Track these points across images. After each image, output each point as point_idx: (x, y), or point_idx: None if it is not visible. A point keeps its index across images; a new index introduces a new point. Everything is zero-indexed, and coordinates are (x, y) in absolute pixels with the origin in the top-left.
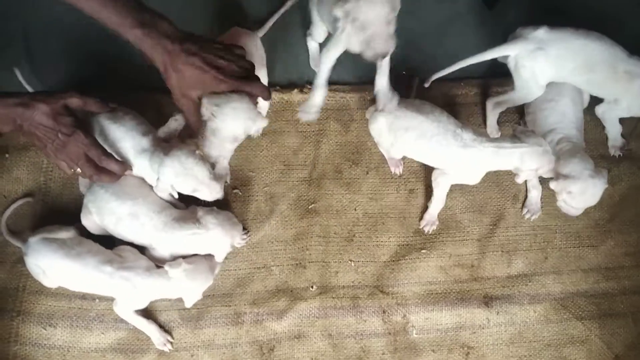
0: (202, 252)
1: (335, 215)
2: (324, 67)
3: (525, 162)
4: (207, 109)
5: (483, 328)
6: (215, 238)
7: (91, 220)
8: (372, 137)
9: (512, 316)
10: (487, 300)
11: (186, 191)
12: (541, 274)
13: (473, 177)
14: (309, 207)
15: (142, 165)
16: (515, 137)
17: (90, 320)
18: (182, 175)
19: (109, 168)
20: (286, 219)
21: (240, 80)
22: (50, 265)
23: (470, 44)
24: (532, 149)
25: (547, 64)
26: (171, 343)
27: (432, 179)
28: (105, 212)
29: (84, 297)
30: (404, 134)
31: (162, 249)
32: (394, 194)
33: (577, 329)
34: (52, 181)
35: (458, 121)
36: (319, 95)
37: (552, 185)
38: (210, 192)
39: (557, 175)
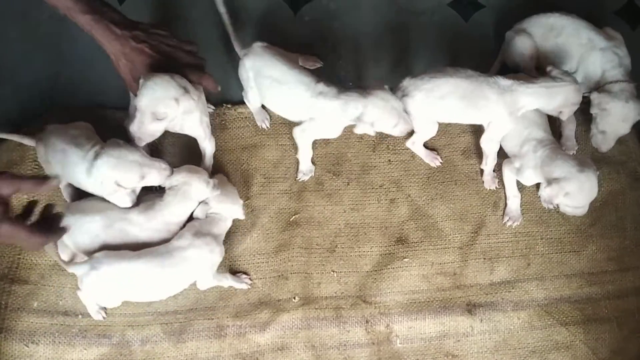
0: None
1: (317, 226)
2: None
3: (568, 99)
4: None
5: (467, 336)
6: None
7: (70, 253)
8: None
9: (495, 323)
10: (471, 308)
11: (133, 181)
12: (524, 281)
13: (513, 123)
14: (291, 219)
15: (92, 184)
16: (554, 77)
17: (72, 336)
18: (118, 165)
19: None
20: (268, 231)
21: (187, 68)
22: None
23: (447, 56)
24: (573, 86)
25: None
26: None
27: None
28: (79, 235)
29: (66, 313)
30: (440, 103)
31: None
32: (375, 204)
33: (561, 335)
34: (35, 199)
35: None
36: (305, 161)
37: (547, 190)
38: (158, 172)
39: (549, 181)
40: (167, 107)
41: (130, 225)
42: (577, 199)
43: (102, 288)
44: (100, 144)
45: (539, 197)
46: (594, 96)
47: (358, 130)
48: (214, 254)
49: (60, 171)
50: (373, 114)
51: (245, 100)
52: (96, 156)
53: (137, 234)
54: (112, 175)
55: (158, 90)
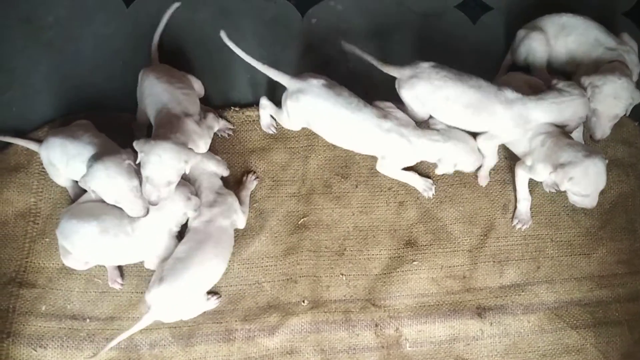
0: None
1: (326, 229)
2: None
3: (577, 113)
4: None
5: (477, 339)
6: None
7: (72, 258)
8: (405, 101)
9: (506, 327)
10: (480, 311)
11: (109, 199)
12: (534, 284)
13: (520, 135)
14: (299, 222)
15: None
16: (561, 90)
17: (80, 340)
18: (103, 183)
19: None
20: (276, 234)
21: None
22: None
23: (455, 58)
24: (581, 99)
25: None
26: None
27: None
28: (77, 239)
29: (74, 317)
30: (444, 103)
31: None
32: (384, 207)
33: (572, 339)
34: (42, 202)
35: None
36: (415, 180)
37: (553, 176)
38: (131, 207)
39: (555, 167)
40: (178, 171)
41: (123, 232)
42: (582, 185)
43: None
44: (99, 138)
45: (544, 185)
46: (584, 79)
47: (440, 171)
48: (233, 205)
49: (64, 169)
50: (456, 156)
51: (260, 106)
52: (95, 159)
53: (129, 241)
54: (93, 185)
55: (165, 160)
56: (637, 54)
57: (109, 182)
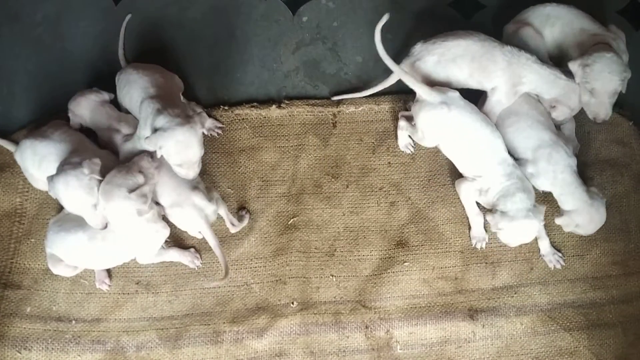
0: None
1: (316, 229)
2: None
3: (566, 97)
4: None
5: (469, 342)
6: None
7: (62, 265)
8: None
9: (498, 329)
10: (472, 313)
11: (69, 210)
12: (527, 285)
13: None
14: (289, 222)
15: None
16: (565, 71)
17: (66, 342)
18: (63, 196)
19: None
20: (265, 235)
21: None
22: None
23: None
24: (577, 87)
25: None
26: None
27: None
28: (65, 250)
29: (59, 318)
30: (453, 66)
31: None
32: (375, 207)
33: (565, 341)
34: (28, 202)
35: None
36: (477, 226)
37: (559, 221)
38: (89, 219)
39: (562, 212)
40: (202, 142)
41: (110, 232)
42: (586, 229)
43: None
44: (72, 135)
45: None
46: (572, 63)
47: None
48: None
49: (37, 171)
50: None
51: (399, 127)
52: (59, 169)
53: (117, 239)
54: (53, 194)
55: (190, 143)
56: (624, 43)
57: (67, 196)
